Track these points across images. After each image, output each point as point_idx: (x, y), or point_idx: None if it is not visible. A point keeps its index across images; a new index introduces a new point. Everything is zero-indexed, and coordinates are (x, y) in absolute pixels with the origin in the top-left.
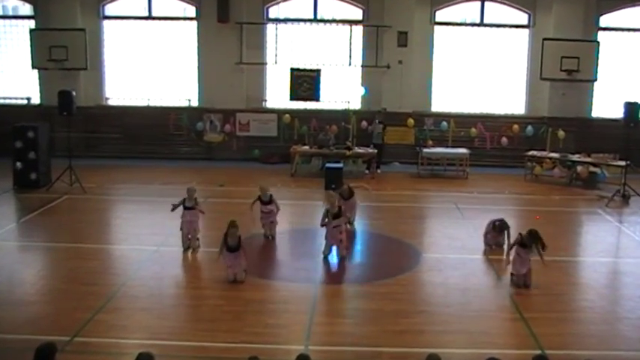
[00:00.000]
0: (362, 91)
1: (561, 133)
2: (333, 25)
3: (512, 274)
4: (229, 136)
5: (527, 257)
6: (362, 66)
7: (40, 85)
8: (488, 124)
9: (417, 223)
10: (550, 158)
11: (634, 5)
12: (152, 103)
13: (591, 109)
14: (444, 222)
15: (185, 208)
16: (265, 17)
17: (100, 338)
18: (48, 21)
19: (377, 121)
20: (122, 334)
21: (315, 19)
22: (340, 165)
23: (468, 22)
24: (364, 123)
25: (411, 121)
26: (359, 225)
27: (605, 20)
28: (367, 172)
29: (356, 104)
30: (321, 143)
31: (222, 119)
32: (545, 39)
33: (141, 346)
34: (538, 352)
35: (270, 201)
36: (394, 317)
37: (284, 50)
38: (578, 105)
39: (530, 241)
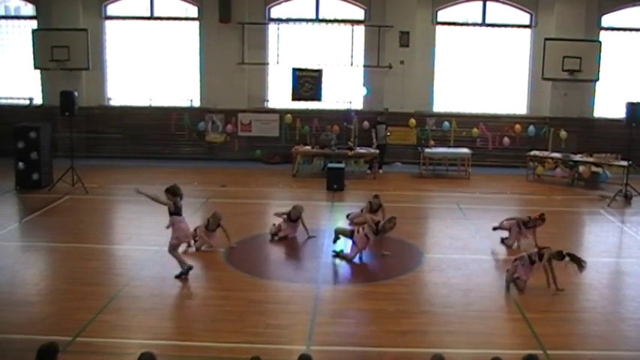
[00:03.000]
0: (364, 91)
1: (563, 133)
2: (335, 25)
3: (516, 278)
4: (231, 137)
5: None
6: (364, 66)
7: (42, 85)
8: (490, 124)
9: (419, 223)
10: (552, 158)
11: (636, 5)
12: (154, 104)
13: (593, 109)
14: (446, 222)
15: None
16: (267, 17)
17: (102, 338)
18: (50, 21)
19: (379, 122)
20: (124, 334)
21: (317, 19)
22: (342, 165)
23: (469, 22)
24: (366, 123)
25: (412, 121)
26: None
27: (607, 20)
28: (369, 172)
29: (358, 104)
30: (322, 143)
31: (224, 119)
32: (547, 39)
33: (143, 346)
34: (533, 352)
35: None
36: (396, 317)
37: (286, 50)
38: (580, 105)
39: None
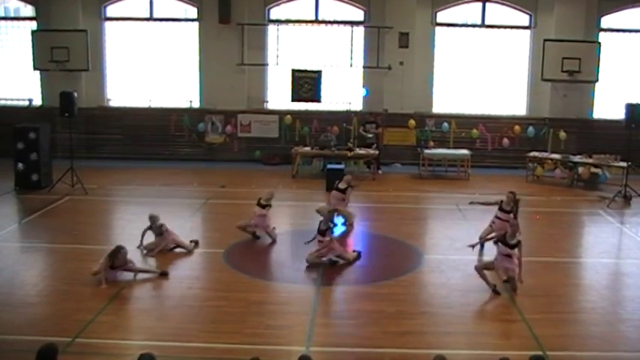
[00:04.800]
0: (363, 92)
1: (563, 134)
2: (335, 26)
3: (510, 279)
4: (230, 138)
5: (512, 256)
6: (363, 67)
7: (41, 86)
8: (490, 125)
9: (418, 224)
10: (551, 159)
11: (635, 6)
12: (153, 105)
13: (592, 110)
14: (445, 223)
15: None
16: (267, 18)
17: (102, 339)
18: (49, 22)
19: (368, 121)
20: (123, 335)
21: (316, 20)
22: (341, 166)
23: (469, 23)
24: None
25: (412, 122)
26: (360, 226)
27: (606, 21)
28: (368, 169)
29: (357, 105)
30: (322, 144)
31: (224, 120)
32: (546, 40)
33: (142, 348)
34: (539, 353)
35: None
36: (395, 318)
37: (285, 51)
38: (580, 106)
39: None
